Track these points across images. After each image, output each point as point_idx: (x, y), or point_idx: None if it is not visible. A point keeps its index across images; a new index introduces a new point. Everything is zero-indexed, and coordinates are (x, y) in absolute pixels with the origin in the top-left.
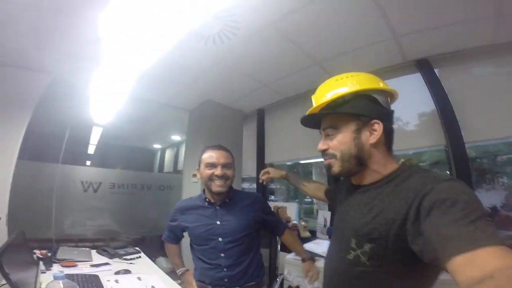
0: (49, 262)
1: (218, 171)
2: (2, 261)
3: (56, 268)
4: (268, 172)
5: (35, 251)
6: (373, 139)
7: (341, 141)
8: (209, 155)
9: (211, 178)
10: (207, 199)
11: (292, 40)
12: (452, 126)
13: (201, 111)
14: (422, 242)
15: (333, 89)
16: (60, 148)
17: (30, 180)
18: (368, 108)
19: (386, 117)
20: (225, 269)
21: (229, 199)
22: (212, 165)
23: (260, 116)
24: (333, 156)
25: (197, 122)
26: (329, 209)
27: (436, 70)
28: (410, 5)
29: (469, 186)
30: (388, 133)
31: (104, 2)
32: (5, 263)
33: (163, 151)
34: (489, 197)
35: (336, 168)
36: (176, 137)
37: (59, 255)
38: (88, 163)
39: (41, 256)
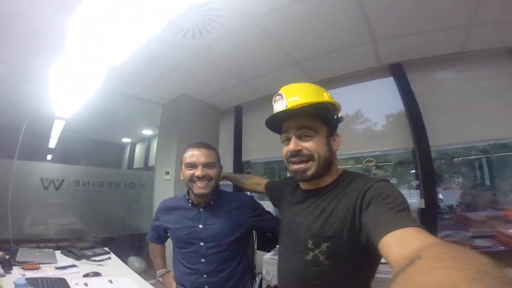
0: (8, 265)
1: (198, 171)
2: None
3: (16, 271)
4: None
5: None
6: (336, 146)
7: (319, 143)
8: (190, 154)
9: (192, 179)
10: (190, 200)
11: (273, 38)
12: (420, 130)
13: (175, 105)
14: (364, 231)
15: (312, 92)
16: (16, 143)
17: None
18: (332, 119)
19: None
20: (205, 275)
21: (214, 201)
22: (192, 165)
23: (238, 113)
24: (310, 157)
25: (171, 117)
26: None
27: (408, 75)
28: (390, 11)
29: (433, 185)
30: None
31: None
32: None
33: (133, 146)
34: (446, 197)
35: (311, 171)
36: (147, 132)
37: (19, 257)
38: (49, 157)
39: None
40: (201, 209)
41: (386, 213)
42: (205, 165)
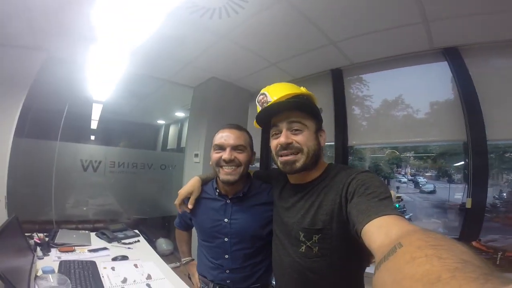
0: (46, 247)
1: (226, 154)
2: None
3: (54, 254)
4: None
5: (34, 235)
6: (323, 141)
7: (308, 137)
8: (219, 136)
9: (219, 163)
10: (217, 190)
11: (307, 16)
12: (477, 121)
13: (205, 88)
14: (350, 221)
15: (291, 88)
16: (59, 125)
17: (28, 159)
18: (320, 116)
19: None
20: (227, 271)
21: (243, 193)
22: (220, 147)
23: None
24: (299, 150)
25: (201, 100)
26: None
27: (465, 61)
28: None
29: (485, 180)
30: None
31: None
32: None
33: (167, 127)
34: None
35: (299, 164)
36: (180, 114)
37: (58, 239)
38: (92, 137)
39: (39, 241)
40: (228, 201)
41: (368, 202)
42: (234, 148)
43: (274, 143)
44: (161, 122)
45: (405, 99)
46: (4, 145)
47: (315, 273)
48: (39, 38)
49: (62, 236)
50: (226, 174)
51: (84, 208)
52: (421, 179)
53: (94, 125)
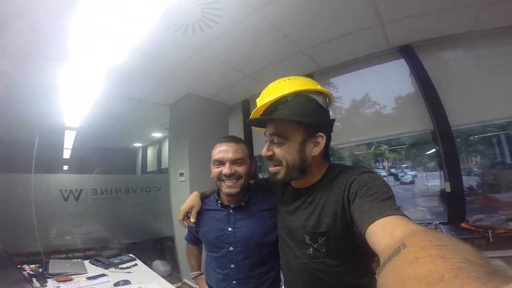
0: (42, 278)
1: (226, 169)
2: None
3: (51, 284)
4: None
5: (25, 267)
6: (316, 152)
7: (287, 151)
8: (217, 150)
9: (219, 177)
10: (219, 201)
11: (277, 27)
12: (439, 111)
13: (182, 105)
14: (354, 222)
15: (276, 91)
16: (31, 156)
17: (4, 193)
18: (314, 115)
19: (329, 127)
20: (234, 282)
21: (245, 202)
22: (219, 162)
23: (246, 108)
24: (279, 162)
25: (180, 117)
26: None
27: (420, 56)
28: None
29: (458, 167)
30: (328, 143)
31: None
32: None
33: (144, 150)
34: (466, 178)
35: (280, 176)
36: (157, 134)
37: (51, 270)
38: (65, 167)
39: (32, 273)
40: (230, 211)
41: (370, 203)
42: (233, 162)
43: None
44: (137, 145)
45: (372, 97)
46: None
47: (325, 272)
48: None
49: (55, 266)
50: (227, 187)
51: (68, 238)
52: (399, 172)
53: (67, 154)
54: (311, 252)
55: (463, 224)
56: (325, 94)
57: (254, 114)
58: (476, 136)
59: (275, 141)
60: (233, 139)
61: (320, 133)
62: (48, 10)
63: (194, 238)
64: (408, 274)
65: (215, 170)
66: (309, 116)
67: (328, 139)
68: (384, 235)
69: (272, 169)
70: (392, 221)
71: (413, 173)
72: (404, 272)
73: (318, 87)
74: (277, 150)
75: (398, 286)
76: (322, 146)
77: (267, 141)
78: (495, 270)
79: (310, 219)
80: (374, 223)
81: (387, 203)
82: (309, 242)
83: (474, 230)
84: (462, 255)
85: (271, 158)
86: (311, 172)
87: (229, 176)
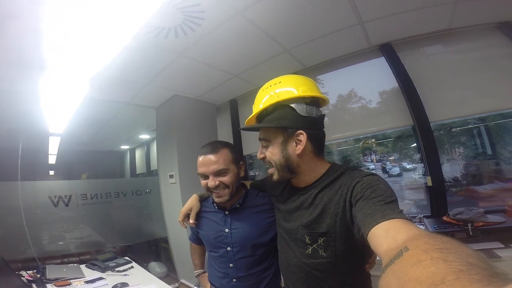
0: (41, 284)
1: (210, 182)
2: None
3: None
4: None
5: (22, 273)
6: (298, 150)
7: (272, 152)
8: (200, 163)
9: (208, 188)
10: (214, 204)
11: (261, 28)
12: (418, 107)
13: (169, 107)
14: (355, 225)
15: (262, 99)
16: (16, 164)
17: None
18: (291, 119)
19: (311, 124)
20: (234, 280)
21: (239, 204)
22: (203, 176)
23: (233, 107)
24: (271, 164)
25: (166, 119)
26: None
27: (398, 54)
28: None
29: (438, 162)
30: (316, 139)
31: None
32: None
33: (132, 152)
34: (450, 168)
35: (275, 176)
36: (144, 136)
37: (49, 275)
38: (51, 172)
39: (31, 279)
40: (226, 212)
41: (373, 206)
42: (216, 174)
43: None
44: (125, 147)
45: (358, 92)
46: None
47: (322, 272)
48: None
49: (52, 271)
50: (217, 197)
51: (61, 243)
52: (388, 166)
53: (52, 159)
54: (310, 251)
55: (444, 218)
56: (309, 98)
57: (249, 121)
58: (457, 128)
59: (263, 144)
60: (212, 149)
61: (300, 131)
62: (30, 17)
63: (197, 238)
64: (409, 277)
65: (202, 182)
66: (284, 119)
67: (318, 136)
68: (386, 238)
69: (269, 170)
70: (395, 224)
71: (399, 165)
72: (406, 274)
73: (296, 94)
74: (267, 153)
75: None
76: (304, 143)
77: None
78: (497, 273)
79: (310, 219)
80: (377, 225)
81: (390, 206)
82: (308, 241)
83: (455, 224)
84: (464, 258)
85: (264, 160)
86: (302, 170)
87: (215, 188)
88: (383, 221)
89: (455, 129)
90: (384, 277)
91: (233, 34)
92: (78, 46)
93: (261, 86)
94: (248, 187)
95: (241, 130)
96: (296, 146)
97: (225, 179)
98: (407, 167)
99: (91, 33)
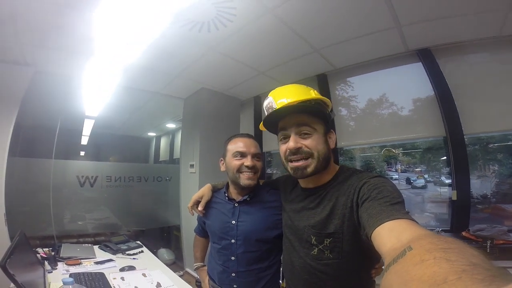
0: (53, 261)
1: (248, 161)
2: (6, 264)
3: (61, 267)
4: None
5: (38, 250)
6: (332, 144)
7: (318, 141)
8: (238, 144)
9: (240, 169)
10: (226, 194)
11: (291, 27)
12: (453, 117)
13: (196, 99)
14: (361, 225)
15: (300, 92)
16: (52, 142)
17: (25, 177)
18: (327, 117)
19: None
20: (233, 274)
21: (250, 197)
22: (242, 155)
23: (257, 103)
24: (309, 155)
25: (193, 111)
26: None
27: (438, 61)
28: None
29: (467, 172)
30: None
31: None
32: (11, 265)
33: (158, 139)
34: (479, 185)
35: (311, 169)
36: (171, 125)
37: (63, 253)
38: (82, 153)
39: (45, 256)
40: (236, 204)
41: (379, 206)
42: (254, 156)
43: (283, 148)
44: (151, 134)
45: (389, 97)
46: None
47: (326, 274)
48: (27, 52)
49: (66, 250)
50: (247, 179)
51: (80, 223)
52: (413, 177)
53: (84, 140)
54: (315, 252)
55: (463, 233)
56: (327, 102)
57: (269, 116)
58: (495, 144)
59: (303, 132)
60: (252, 137)
61: (331, 130)
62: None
63: (202, 230)
64: (412, 276)
65: (236, 163)
66: (326, 115)
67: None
68: (390, 238)
69: (299, 164)
70: (399, 224)
71: (426, 177)
72: (408, 273)
73: (327, 101)
74: (307, 142)
75: (401, 287)
76: (334, 141)
77: (283, 139)
78: (500, 273)
79: (318, 220)
80: (381, 225)
81: (396, 207)
82: (315, 242)
83: (473, 240)
84: (468, 258)
85: (299, 150)
86: (330, 166)
87: (251, 168)
88: (388, 221)
89: (492, 145)
90: (387, 276)
91: (262, 31)
92: (117, 35)
93: (286, 84)
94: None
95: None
96: (329, 140)
97: (259, 164)
98: (433, 179)
99: (130, 25)
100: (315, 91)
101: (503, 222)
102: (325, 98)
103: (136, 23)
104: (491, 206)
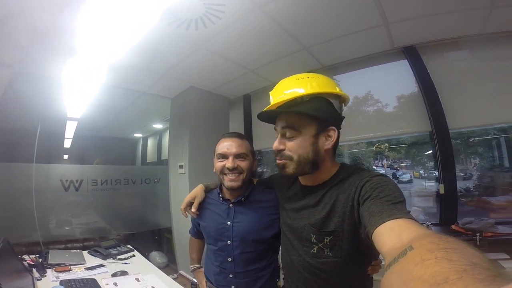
0: (42, 268)
1: (229, 162)
2: None
3: (50, 274)
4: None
5: (24, 257)
6: (328, 145)
7: (300, 144)
8: (222, 145)
9: (222, 171)
10: (220, 195)
11: (280, 24)
12: (438, 113)
13: (184, 98)
14: (362, 224)
15: (293, 87)
16: (33, 146)
17: (5, 183)
18: (326, 113)
19: (339, 123)
20: (231, 275)
21: (245, 197)
22: (223, 156)
23: (247, 102)
24: (289, 158)
25: (181, 110)
26: None
27: (423, 58)
28: None
29: (453, 170)
30: (338, 138)
31: None
32: None
33: (144, 140)
34: (462, 179)
35: (290, 170)
36: (158, 126)
37: (51, 260)
38: (65, 156)
39: (32, 263)
40: (230, 205)
41: (381, 205)
42: (236, 156)
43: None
44: (138, 135)
45: (374, 95)
46: None
47: (325, 272)
48: (3, 53)
49: (54, 256)
50: (229, 181)
51: (67, 228)
52: (399, 172)
53: (67, 143)
54: (315, 251)
55: (453, 226)
56: (342, 97)
57: (271, 107)
58: (476, 138)
59: (287, 134)
60: (238, 135)
61: (331, 127)
62: (55, 6)
63: (197, 231)
64: (412, 275)
65: (219, 164)
66: (321, 111)
67: (339, 135)
68: (391, 237)
69: (280, 162)
70: (400, 223)
71: (410, 172)
72: (409, 273)
73: (337, 90)
74: (290, 144)
75: (402, 287)
76: (334, 140)
77: (277, 136)
78: (501, 273)
79: (318, 218)
80: (383, 224)
81: (398, 207)
82: (314, 240)
83: (463, 232)
84: (469, 258)
85: (280, 152)
86: (324, 167)
87: (232, 169)
88: (389, 220)
89: (473, 139)
90: (387, 275)
91: (251, 28)
92: (101, 36)
93: (276, 83)
94: (255, 184)
95: (253, 124)
96: (325, 141)
97: (243, 164)
98: (420, 173)
99: (114, 22)
100: (333, 84)
101: (488, 215)
102: (335, 91)
103: (121, 20)
104: (475, 199)
